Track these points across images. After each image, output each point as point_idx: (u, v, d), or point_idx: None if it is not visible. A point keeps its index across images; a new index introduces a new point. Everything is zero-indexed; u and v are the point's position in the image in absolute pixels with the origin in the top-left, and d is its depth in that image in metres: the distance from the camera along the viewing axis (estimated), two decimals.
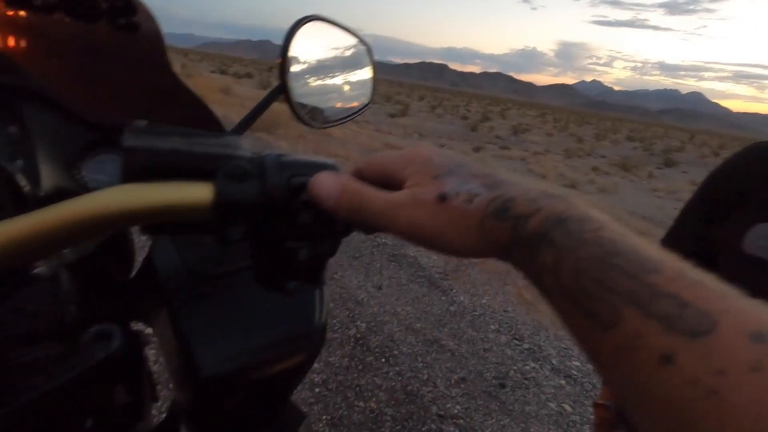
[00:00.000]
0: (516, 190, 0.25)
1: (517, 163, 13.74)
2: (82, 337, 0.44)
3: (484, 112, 37.99)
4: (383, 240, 3.92)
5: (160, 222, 0.32)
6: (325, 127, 0.50)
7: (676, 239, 0.76)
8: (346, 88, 0.49)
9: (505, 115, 39.53)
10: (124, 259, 0.57)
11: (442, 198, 0.26)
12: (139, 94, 0.48)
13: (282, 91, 0.44)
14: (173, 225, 0.34)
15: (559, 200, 0.24)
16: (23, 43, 0.44)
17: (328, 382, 2.23)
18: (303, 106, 0.46)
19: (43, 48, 0.44)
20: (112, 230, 0.31)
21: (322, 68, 0.47)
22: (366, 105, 0.52)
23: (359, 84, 0.50)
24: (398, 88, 70.92)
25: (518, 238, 0.24)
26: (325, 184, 0.30)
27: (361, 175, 0.32)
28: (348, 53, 0.49)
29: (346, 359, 2.42)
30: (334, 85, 0.48)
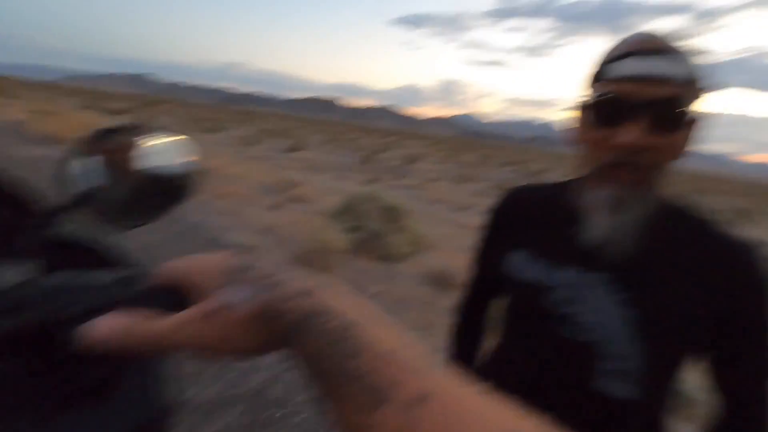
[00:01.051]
0: (280, 291, 0.28)
1: (413, 191, 14.42)
2: None
3: (377, 144, 39.63)
4: None
5: None
6: (139, 226, 0.46)
7: (477, 261, 0.97)
8: (164, 184, 0.45)
9: (396, 147, 41.66)
10: None
11: (220, 309, 0.28)
12: None
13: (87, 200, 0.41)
14: None
15: (307, 297, 0.27)
16: None
17: None
18: (114, 210, 0.44)
19: None
20: None
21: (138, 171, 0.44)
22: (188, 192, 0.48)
23: (178, 177, 0.46)
24: (291, 123, 70.54)
25: (279, 335, 0.27)
26: (102, 332, 0.29)
27: (166, 278, 0.32)
28: (164, 150, 0.45)
29: (246, 416, 2.21)
30: (149, 184, 0.44)
